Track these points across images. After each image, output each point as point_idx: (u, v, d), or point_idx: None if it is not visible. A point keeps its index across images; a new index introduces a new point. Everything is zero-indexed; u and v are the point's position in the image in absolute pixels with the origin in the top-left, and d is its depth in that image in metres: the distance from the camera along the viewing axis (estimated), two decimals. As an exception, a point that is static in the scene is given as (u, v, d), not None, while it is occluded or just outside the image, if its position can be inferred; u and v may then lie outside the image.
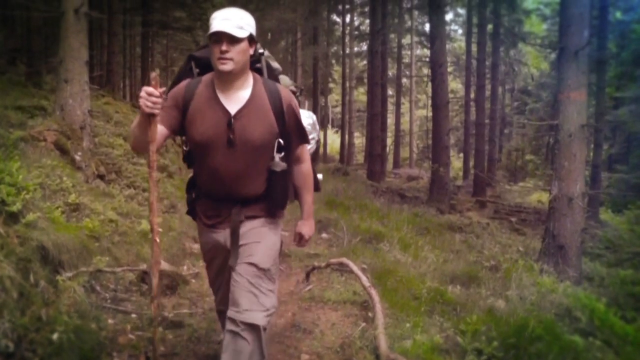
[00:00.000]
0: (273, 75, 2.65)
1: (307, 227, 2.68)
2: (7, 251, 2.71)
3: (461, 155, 27.27)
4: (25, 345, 2.39)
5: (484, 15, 19.24)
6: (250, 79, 2.37)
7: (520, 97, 32.12)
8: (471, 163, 21.56)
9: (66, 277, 3.28)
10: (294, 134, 2.45)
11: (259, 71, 2.52)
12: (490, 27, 19.97)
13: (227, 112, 2.30)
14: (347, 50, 27.40)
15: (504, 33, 20.79)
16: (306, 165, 2.61)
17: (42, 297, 2.76)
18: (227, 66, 2.20)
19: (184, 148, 2.52)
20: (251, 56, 2.35)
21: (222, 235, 2.49)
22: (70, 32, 6.37)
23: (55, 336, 2.52)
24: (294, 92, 2.82)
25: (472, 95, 21.35)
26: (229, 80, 2.30)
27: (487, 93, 20.83)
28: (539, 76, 29.44)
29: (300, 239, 2.71)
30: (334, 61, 30.97)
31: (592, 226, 11.24)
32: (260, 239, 2.45)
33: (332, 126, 40.46)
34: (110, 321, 3.39)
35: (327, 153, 27.07)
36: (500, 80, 25.49)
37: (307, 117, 3.86)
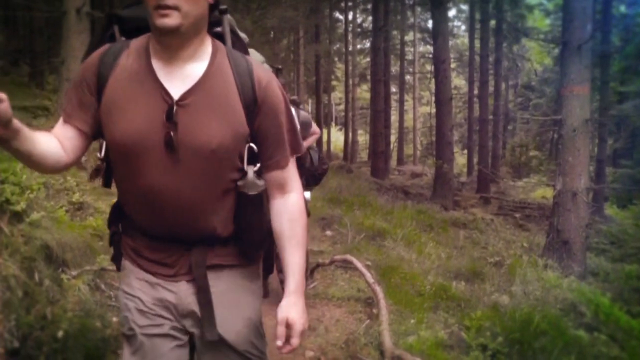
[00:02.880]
0: (241, 46, 1.69)
1: (295, 311, 1.49)
2: (12, 250, 2.73)
3: (465, 151, 27.18)
4: (30, 343, 2.41)
5: (487, 11, 19.17)
6: (206, 46, 1.48)
7: (523, 93, 32.04)
8: (475, 159, 21.50)
9: (70, 275, 3.30)
10: (275, 137, 1.52)
11: (219, 37, 1.59)
12: (493, 22, 19.89)
13: (166, 96, 1.40)
14: (350, 48, 27.36)
15: (507, 29, 20.69)
16: (294, 199, 1.57)
17: (46, 296, 2.78)
18: (170, 20, 1.32)
19: (99, 156, 1.59)
20: (210, 11, 1.48)
21: (175, 294, 1.53)
22: (72, 32, 6.40)
23: (60, 334, 2.53)
24: None
25: (476, 92, 21.28)
26: (172, 45, 1.41)
27: (491, 89, 20.73)
28: (543, 71, 29.33)
29: (286, 335, 1.51)
30: (336, 59, 30.91)
31: (597, 221, 11.19)
32: (235, 304, 1.59)
33: (336, 124, 40.45)
34: (114, 319, 3.40)
35: (331, 150, 27.06)
36: (504, 76, 25.39)
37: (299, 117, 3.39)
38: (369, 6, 23.89)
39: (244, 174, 1.51)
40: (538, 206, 14.81)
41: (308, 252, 4.49)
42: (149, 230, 1.54)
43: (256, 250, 1.66)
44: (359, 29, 29.33)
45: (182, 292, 1.53)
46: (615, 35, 16.58)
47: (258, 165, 1.53)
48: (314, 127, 4.60)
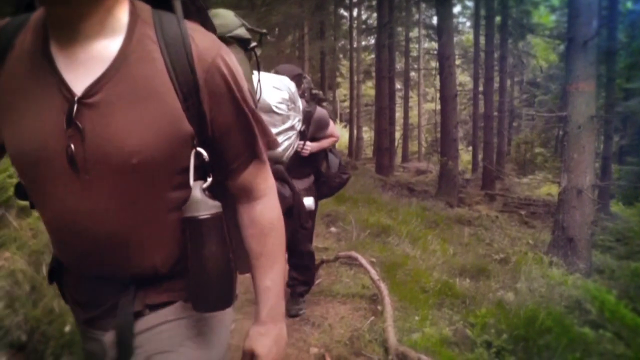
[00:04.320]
0: (198, 13, 1.21)
1: (264, 343, 1.22)
2: (20, 244, 2.74)
3: (470, 148, 27.14)
4: (37, 337, 2.42)
5: (492, 7, 19.11)
6: (120, 15, 1.04)
7: (528, 89, 31.92)
8: (480, 156, 21.46)
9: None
10: (238, 132, 1.16)
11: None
12: (498, 19, 19.83)
13: (66, 91, 1.01)
14: (355, 45, 27.28)
15: (512, 25, 20.63)
16: (264, 206, 1.25)
17: (54, 290, 2.79)
18: None
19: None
20: None
21: (102, 344, 1.19)
22: None
23: (67, 328, 2.55)
24: (243, 44, 1.52)
25: (481, 88, 21.24)
26: (65, 17, 1.00)
27: (496, 85, 20.69)
28: (548, 68, 29.24)
29: None
30: (341, 55, 30.83)
31: (603, 218, 11.19)
32: (171, 349, 1.17)
33: (341, 120, 40.43)
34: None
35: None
36: (509, 72, 25.33)
37: (278, 89, 2.48)
38: (374, 3, 23.82)
39: (188, 191, 1.10)
40: (543, 203, 14.79)
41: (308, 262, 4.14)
42: (71, 267, 1.20)
43: (215, 293, 1.15)
44: (363, 26, 29.26)
45: (109, 344, 1.17)
46: (622, 31, 16.51)
47: (209, 180, 1.14)
48: (332, 128, 3.93)
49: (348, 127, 28.00)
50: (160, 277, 1.16)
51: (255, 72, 1.88)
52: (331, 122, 3.92)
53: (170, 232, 1.14)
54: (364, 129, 32.87)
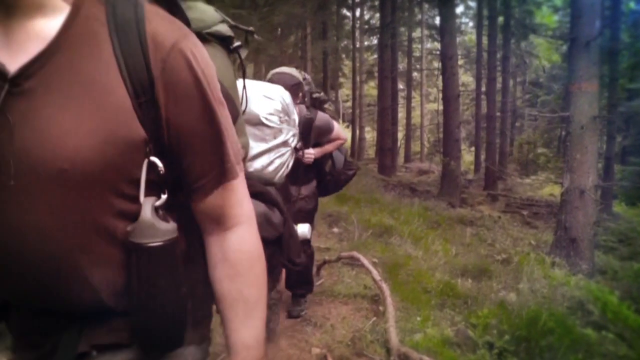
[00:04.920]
0: (166, 1, 1.00)
1: None
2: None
3: (472, 148, 27.10)
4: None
5: (495, 7, 19.08)
6: None
7: (531, 90, 31.86)
8: (482, 156, 21.41)
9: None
10: (202, 142, 0.95)
11: None
12: (501, 19, 19.79)
13: None
14: (357, 44, 27.29)
15: (515, 25, 20.58)
16: (238, 239, 1.02)
17: None
18: None
19: None
20: None
21: None
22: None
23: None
24: (224, 43, 1.34)
25: (483, 88, 21.18)
26: None
27: (498, 86, 20.64)
28: (551, 68, 29.17)
29: None
30: (344, 55, 30.83)
31: (605, 219, 11.14)
32: None
33: (343, 121, 40.44)
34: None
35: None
36: (512, 72, 25.25)
37: (269, 98, 2.11)
38: (377, 3, 23.85)
39: (136, 208, 0.89)
40: (546, 203, 14.76)
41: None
42: (7, 298, 0.97)
43: (161, 334, 0.96)
44: (366, 26, 29.26)
45: None
46: (625, 31, 16.45)
47: (163, 197, 0.92)
48: (337, 131, 3.76)
49: (350, 127, 28.00)
50: (109, 313, 0.93)
51: (240, 78, 1.54)
52: (335, 125, 3.75)
53: (118, 257, 0.90)
54: (367, 129, 32.84)
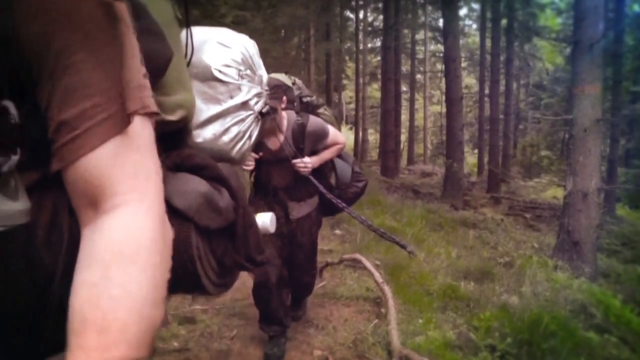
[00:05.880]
0: None
1: None
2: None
3: (475, 151, 27.10)
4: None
5: (498, 9, 19.08)
6: None
7: (534, 92, 31.83)
8: (486, 159, 21.42)
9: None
10: (73, 69, 0.64)
11: None
12: (504, 21, 19.79)
13: None
14: (361, 46, 27.30)
15: (518, 27, 20.57)
16: (119, 224, 0.65)
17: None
18: None
19: None
20: None
21: None
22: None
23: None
24: None
25: (487, 91, 21.19)
26: None
27: (502, 88, 20.66)
28: (554, 71, 29.15)
29: None
30: (347, 57, 30.83)
31: (609, 222, 11.12)
32: None
33: (346, 122, 40.48)
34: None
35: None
36: (515, 75, 25.24)
37: (225, 46, 1.60)
38: (380, 5, 23.81)
39: None
40: (549, 206, 14.73)
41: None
42: None
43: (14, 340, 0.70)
44: (369, 28, 29.26)
45: None
46: (628, 34, 16.42)
47: (14, 158, 0.64)
48: (333, 136, 3.34)
49: (354, 129, 27.99)
50: None
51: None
52: (331, 129, 3.33)
53: None
54: (370, 131, 32.87)
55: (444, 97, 19.74)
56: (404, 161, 27.19)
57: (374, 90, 34.27)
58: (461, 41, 20.57)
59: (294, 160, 3.13)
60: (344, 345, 3.64)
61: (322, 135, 3.24)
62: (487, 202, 15.98)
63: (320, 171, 3.34)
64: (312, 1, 19.28)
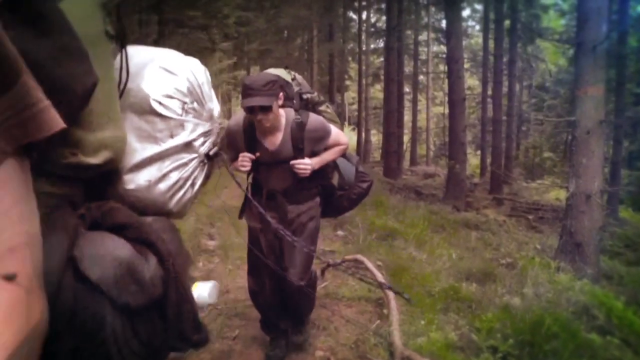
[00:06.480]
0: None
1: None
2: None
3: (478, 152, 27.08)
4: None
5: (501, 11, 19.07)
6: None
7: (537, 94, 31.79)
8: (488, 160, 21.39)
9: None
10: None
11: None
12: (507, 23, 19.77)
13: None
14: (363, 47, 27.30)
15: (521, 29, 20.55)
16: None
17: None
18: None
19: None
20: None
21: None
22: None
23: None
24: None
25: (489, 92, 21.17)
26: None
27: (504, 89, 20.63)
28: (557, 72, 29.10)
29: None
30: (350, 58, 30.87)
31: (612, 224, 11.08)
32: None
33: (349, 123, 40.51)
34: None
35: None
36: (518, 76, 25.24)
37: (169, 72, 1.40)
38: (383, 6, 23.83)
39: None
40: (551, 208, 14.71)
41: None
42: None
43: None
44: (372, 29, 29.28)
45: None
46: (632, 35, 16.39)
47: None
48: (336, 136, 3.11)
49: (356, 130, 28.00)
50: None
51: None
52: (333, 128, 3.10)
53: None
54: (372, 132, 32.89)
55: (446, 98, 19.77)
56: (406, 162, 27.16)
57: (377, 91, 34.29)
58: (464, 42, 20.54)
59: (293, 162, 2.93)
60: (345, 345, 3.64)
61: (323, 134, 3.02)
62: (490, 203, 15.96)
63: (322, 171, 3.14)
64: (315, 2, 19.30)
